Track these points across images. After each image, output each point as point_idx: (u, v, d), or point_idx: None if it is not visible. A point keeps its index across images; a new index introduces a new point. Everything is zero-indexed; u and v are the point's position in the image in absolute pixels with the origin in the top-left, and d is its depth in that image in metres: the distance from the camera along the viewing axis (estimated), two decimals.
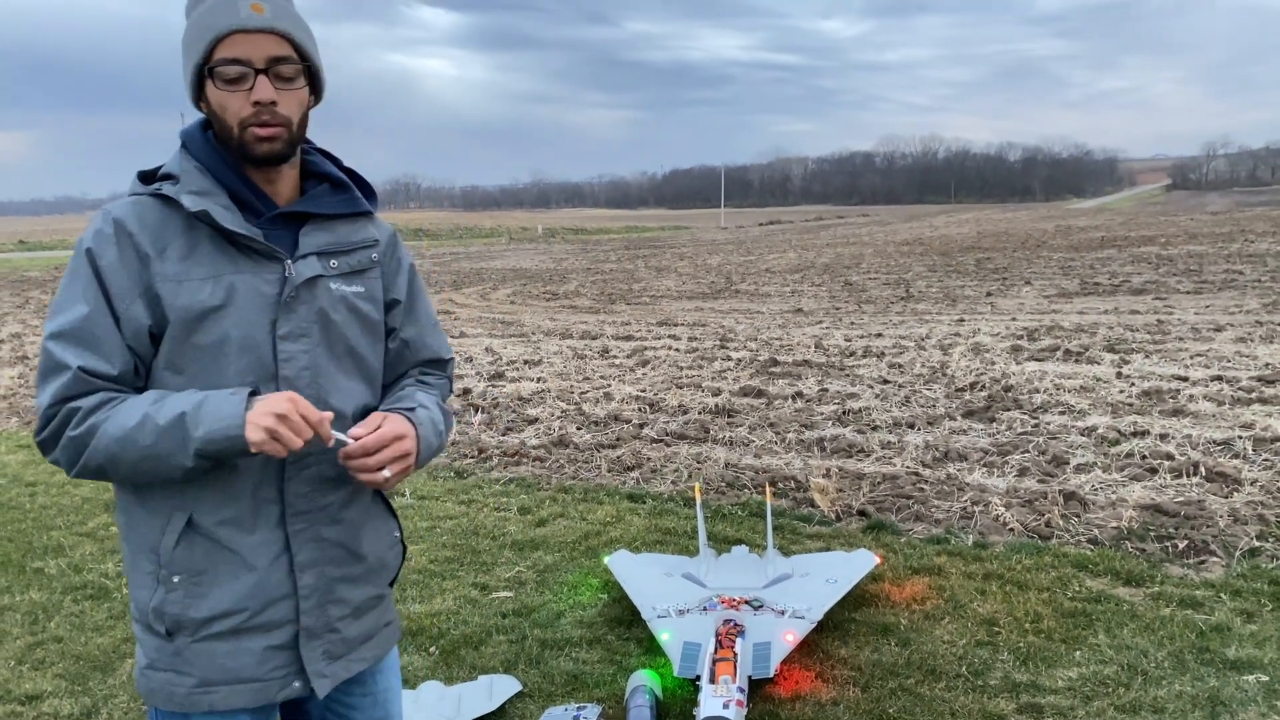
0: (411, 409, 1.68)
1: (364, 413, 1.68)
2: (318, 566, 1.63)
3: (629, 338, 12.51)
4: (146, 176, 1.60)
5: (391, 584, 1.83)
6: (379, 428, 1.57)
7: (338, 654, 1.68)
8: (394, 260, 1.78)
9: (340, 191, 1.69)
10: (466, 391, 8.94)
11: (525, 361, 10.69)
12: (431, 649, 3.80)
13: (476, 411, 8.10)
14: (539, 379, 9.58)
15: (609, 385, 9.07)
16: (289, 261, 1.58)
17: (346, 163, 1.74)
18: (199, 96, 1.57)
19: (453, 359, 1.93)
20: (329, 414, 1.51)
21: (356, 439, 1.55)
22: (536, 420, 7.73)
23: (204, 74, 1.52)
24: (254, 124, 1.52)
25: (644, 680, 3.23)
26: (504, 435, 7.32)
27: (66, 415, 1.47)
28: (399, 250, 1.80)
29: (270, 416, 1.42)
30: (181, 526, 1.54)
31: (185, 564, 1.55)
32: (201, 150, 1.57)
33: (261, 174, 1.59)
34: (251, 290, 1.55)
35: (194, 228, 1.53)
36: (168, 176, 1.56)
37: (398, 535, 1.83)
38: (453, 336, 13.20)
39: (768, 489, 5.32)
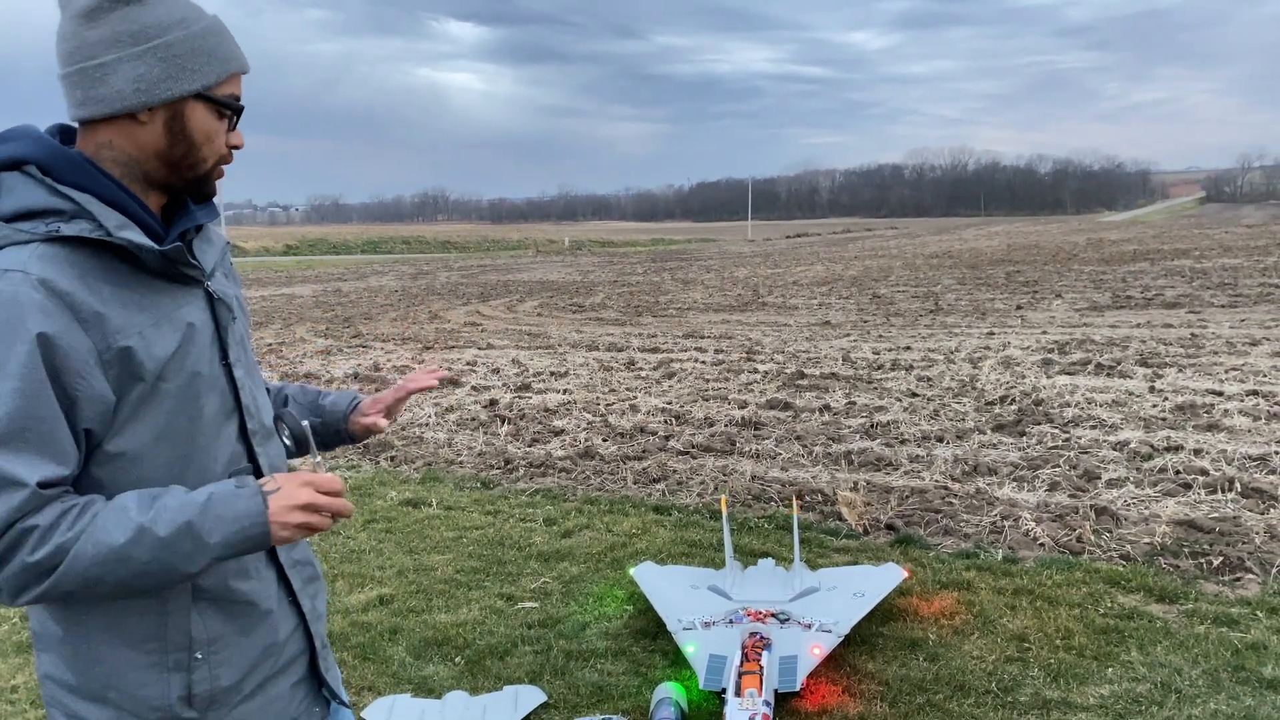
0: None
1: None
2: (305, 588, 1.59)
3: (655, 350, 12.52)
4: (13, 216, 1.31)
5: None
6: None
7: (328, 665, 1.66)
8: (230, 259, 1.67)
9: None
10: (493, 403, 8.98)
11: (551, 373, 10.72)
12: (457, 659, 3.81)
13: (503, 423, 8.13)
14: (565, 391, 9.60)
15: (635, 397, 9.07)
16: (207, 283, 1.45)
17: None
18: (145, 108, 1.35)
19: None
20: (335, 476, 1.39)
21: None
22: (562, 432, 7.75)
23: (197, 97, 1.38)
24: (223, 164, 1.46)
25: (669, 693, 3.22)
26: (530, 446, 7.34)
27: (16, 538, 1.19)
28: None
29: (297, 512, 1.31)
30: (188, 601, 1.39)
31: (203, 636, 1.41)
32: (87, 175, 1.33)
33: (155, 196, 1.44)
34: (200, 322, 1.41)
35: (111, 268, 1.31)
36: (50, 212, 1.29)
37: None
38: (479, 349, 13.28)
39: (794, 502, 5.29)
